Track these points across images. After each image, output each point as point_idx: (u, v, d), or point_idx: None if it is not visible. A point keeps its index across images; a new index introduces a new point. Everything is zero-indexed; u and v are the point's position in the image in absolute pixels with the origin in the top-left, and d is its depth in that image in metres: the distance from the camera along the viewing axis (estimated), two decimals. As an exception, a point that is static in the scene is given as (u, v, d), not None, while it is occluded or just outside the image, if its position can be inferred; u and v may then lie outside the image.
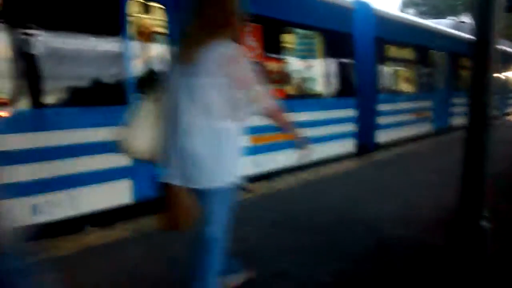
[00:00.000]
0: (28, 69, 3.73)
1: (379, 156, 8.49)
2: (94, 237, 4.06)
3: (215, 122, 2.14)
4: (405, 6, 39.07)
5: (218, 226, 2.27)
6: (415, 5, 39.68)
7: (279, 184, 6.20)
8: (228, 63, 2.10)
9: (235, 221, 2.37)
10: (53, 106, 3.97)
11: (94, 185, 4.23)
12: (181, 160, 2.17)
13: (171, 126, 2.21)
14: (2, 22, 3.61)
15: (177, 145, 2.17)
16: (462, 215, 2.95)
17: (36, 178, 3.83)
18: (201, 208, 2.23)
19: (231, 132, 2.19)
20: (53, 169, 3.94)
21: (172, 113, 2.19)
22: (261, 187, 5.92)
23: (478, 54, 2.88)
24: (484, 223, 2.89)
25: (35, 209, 3.83)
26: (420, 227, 4.23)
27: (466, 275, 2.97)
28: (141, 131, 2.30)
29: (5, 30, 3.62)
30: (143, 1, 4.76)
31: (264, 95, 2.26)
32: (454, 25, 14.26)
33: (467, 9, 49.61)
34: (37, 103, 3.80)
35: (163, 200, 2.25)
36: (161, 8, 4.87)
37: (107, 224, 4.31)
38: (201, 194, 2.21)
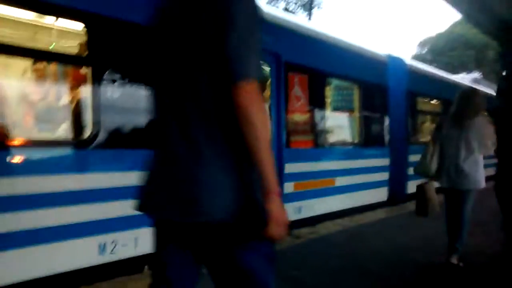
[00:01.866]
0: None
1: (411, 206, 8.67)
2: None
3: (475, 155, 4.43)
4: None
5: (468, 211, 4.57)
6: (423, 61, 40.90)
7: (322, 229, 6.38)
8: (485, 128, 4.44)
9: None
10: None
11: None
12: (456, 174, 4.45)
13: (449, 156, 4.54)
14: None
15: (456, 167, 4.45)
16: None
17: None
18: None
19: (480, 160, 4.46)
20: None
21: (451, 149, 4.53)
22: (305, 233, 6.13)
23: None
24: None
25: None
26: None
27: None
28: (432, 161, 4.64)
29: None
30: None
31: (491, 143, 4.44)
32: (474, 80, 14.78)
33: (478, 66, 50.83)
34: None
35: (421, 199, 4.81)
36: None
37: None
38: (463, 193, 4.48)
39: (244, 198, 1.55)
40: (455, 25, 55.48)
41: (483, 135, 4.40)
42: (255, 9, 1.56)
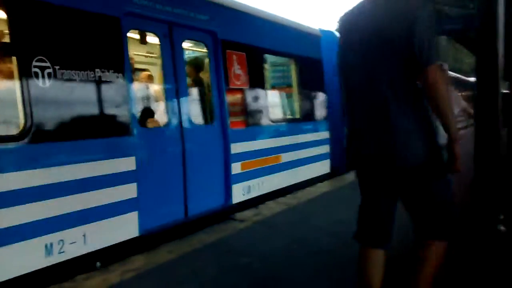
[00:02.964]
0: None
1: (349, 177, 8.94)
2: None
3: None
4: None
5: None
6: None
7: (265, 210, 6.29)
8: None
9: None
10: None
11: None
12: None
13: None
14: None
15: None
16: (477, 219, 3.38)
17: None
18: None
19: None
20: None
21: None
22: (249, 215, 6.01)
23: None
24: (500, 227, 3.36)
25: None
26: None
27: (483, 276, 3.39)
28: None
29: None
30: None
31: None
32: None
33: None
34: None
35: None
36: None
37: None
38: None
39: (431, 145, 2.36)
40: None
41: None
42: (431, 11, 2.31)
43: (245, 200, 6.28)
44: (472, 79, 23.27)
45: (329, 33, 9.12)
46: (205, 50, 5.93)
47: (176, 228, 5.13)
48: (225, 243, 4.87)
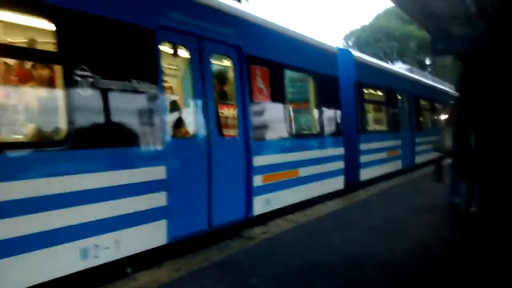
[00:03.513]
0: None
1: (362, 194, 9.03)
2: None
3: None
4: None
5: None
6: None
7: (274, 228, 6.19)
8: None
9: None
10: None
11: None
12: None
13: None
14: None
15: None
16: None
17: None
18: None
19: None
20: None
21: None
22: (258, 233, 5.93)
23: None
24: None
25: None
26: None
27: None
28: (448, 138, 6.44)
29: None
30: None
31: None
32: (409, 69, 15.69)
33: (401, 57, 53.64)
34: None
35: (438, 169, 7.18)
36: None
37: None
38: None
39: None
40: (378, 17, 58.07)
41: None
42: None
43: (264, 213, 6.37)
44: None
45: (345, 51, 9.38)
46: (230, 64, 6.09)
47: (199, 238, 5.24)
48: (234, 261, 4.75)
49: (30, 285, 3.52)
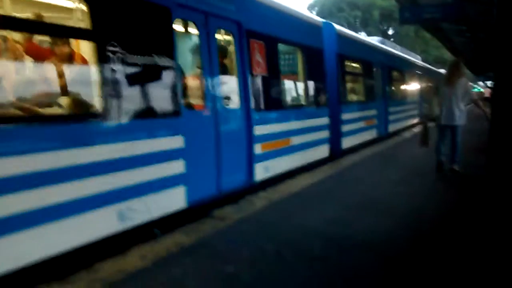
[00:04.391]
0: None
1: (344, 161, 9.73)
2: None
3: (461, 104, 7.55)
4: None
5: (459, 138, 7.65)
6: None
7: (247, 206, 6.01)
8: (466, 87, 7.57)
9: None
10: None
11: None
12: (449, 116, 7.56)
13: (445, 106, 7.59)
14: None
15: (449, 111, 7.56)
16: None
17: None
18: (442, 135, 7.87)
19: (464, 108, 7.66)
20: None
21: (446, 101, 7.57)
22: (230, 212, 5.72)
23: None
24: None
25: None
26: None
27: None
28: (436, 107, 7.76)
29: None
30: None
31: (473, 95, 7.84)
32: (381, 41, 16.38)
33: (365, 27, 54.61)
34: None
35: (423, 133, 8.34)
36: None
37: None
38: (454, 127, 7.62)
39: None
40: (342, -14, 58.47)
41: (466, 90, 7.57)
42: None
43: (264, 179, 6.93)
44: (442, 70, 24.83)
45: (328, 24, 9.88)
46: (231, 38, 6.51)
47: (207, 205, 5.73)
48: (206, 245, 4.42)
49: (88, 242, 4.01)
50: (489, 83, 44.96)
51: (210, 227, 5.03)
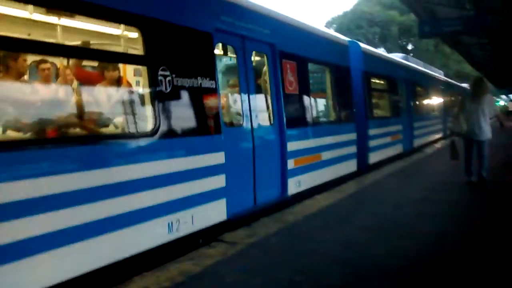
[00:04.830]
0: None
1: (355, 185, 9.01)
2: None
3: (487, 119, 7.95)
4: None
5: (487, 153, 8.06)
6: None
7: (260, 230, 5.69)
8: (490, 101, 8.00)
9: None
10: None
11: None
12: (476, 130, 7.93)
13: (472, 121, 7.95)
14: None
15: (476, 126, 7.92)
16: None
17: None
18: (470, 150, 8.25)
19: (489, 122, 8.06)
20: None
21: (473, 117, 7.94)
22: (241, 236, 5.42)
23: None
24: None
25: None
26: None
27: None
28: (463, 123, 8.07)
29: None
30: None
31: (495, 109, 8.53)
32: (404, 57, 16.71)
33: (383, 42, 54.72)
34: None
35: (453, 148, 8.78)
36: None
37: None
38: (481, 142, 8.00)
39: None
40: (359, 3, 58.98)
41: (491, 105, 7.98)
42: None
43: (296, 193, 7.26)
44: (464, 85, 25.01)
45: (354, 43, 10.27)
46: (266, 59, 6.91)
47: (244, 218, 6.04)
48: (214, 274, 4.13)
49: (139, 251, 4.38)
50: (512, 96, 44.66)
51: (219, 253, 4.72)
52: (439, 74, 22.33)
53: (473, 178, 8.17)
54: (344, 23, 56.84)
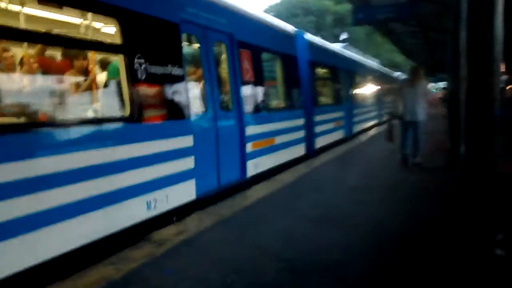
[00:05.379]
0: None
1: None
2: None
3: (422, 102, 8.91)
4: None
5: (421, 133, 8.98)
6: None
7: (192, 225, 5.49)
8: (425, 88, 9.18)
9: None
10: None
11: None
12: (412, 113, 8.89)
13: (408, 104, 8.93)
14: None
15: (412, 109, 8.88)
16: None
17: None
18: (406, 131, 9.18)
19: (424, 106, 8.98)
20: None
21: (409, 101, 8.93)
22: (171, 234, 5.14)
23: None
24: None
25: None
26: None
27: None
28: (400, 106, 9.11)
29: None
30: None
31: (431, 95, 10.82)
32: (344, 46, 17.76)
33: (318, 31, 56.34)
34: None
35: (389, 129, 9.84)
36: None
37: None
38: (416, 123, 8.93)
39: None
40: (295, -8, 60.21)
41: (425, 90, 9.22)
42: None
43: (254, 175, 7.87)
44: (397, 74, 26.57)
45: (300, 33, 10.98)
46: (225, 48, 7.42)
47: (210, 198, 6.58)
48: (138, 279, 3.87)
49: (125, 226, 4.83)
50: (441, 84, 47.41)
51: (145, 255, 4.44)
52: (375, 64, 23.74)
53: (408, 155, 9.10)
54: (281, 11, 58.02)
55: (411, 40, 26.64)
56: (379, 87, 22.47)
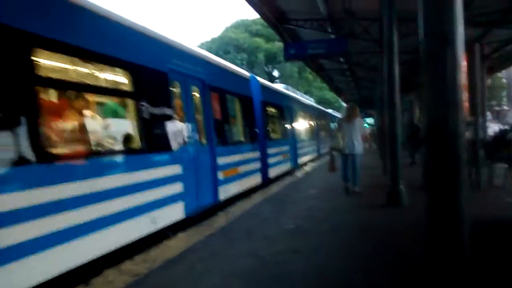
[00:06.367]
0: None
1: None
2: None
3: (358, 137, 10.33)
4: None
5: (359, 165, 10.43)
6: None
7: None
8: (361, 124, 10.85)
9: None
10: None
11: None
12: (350, 146, 10.23)
13: (346, 139, 10.27)
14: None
15: (350, 143, 10.22)
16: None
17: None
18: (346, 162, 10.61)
19: (360, 140, 10.42)
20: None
21: (347, 135, 10.27)
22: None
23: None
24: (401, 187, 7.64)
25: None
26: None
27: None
28: (339, 140, 10.47)
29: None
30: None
31: (365, 131, 11.45)
32: (285, 87, 19.89)
33: (251, 68, 58.81)
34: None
35: (331, 161, 11.79)
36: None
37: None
38: (354, 156, 10.29)
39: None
40: (227, 30, 62.58)
41: (361, 127, 10.74)
42: None
43: (224, 199, 9.35)
44: (330, 110, 29.14)
45: (253, 77, 12.89)
46: (198, 92, 8.97)
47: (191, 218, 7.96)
48: None
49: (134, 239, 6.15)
50: (368, 119, 50.71)
51: None
52: (311, 101, 26.17)
53: (349, 185, 10.40)
54: (213, 48, 59.87)
55: (340, 77, 29.14)
56: (316, 123, 24.82)
